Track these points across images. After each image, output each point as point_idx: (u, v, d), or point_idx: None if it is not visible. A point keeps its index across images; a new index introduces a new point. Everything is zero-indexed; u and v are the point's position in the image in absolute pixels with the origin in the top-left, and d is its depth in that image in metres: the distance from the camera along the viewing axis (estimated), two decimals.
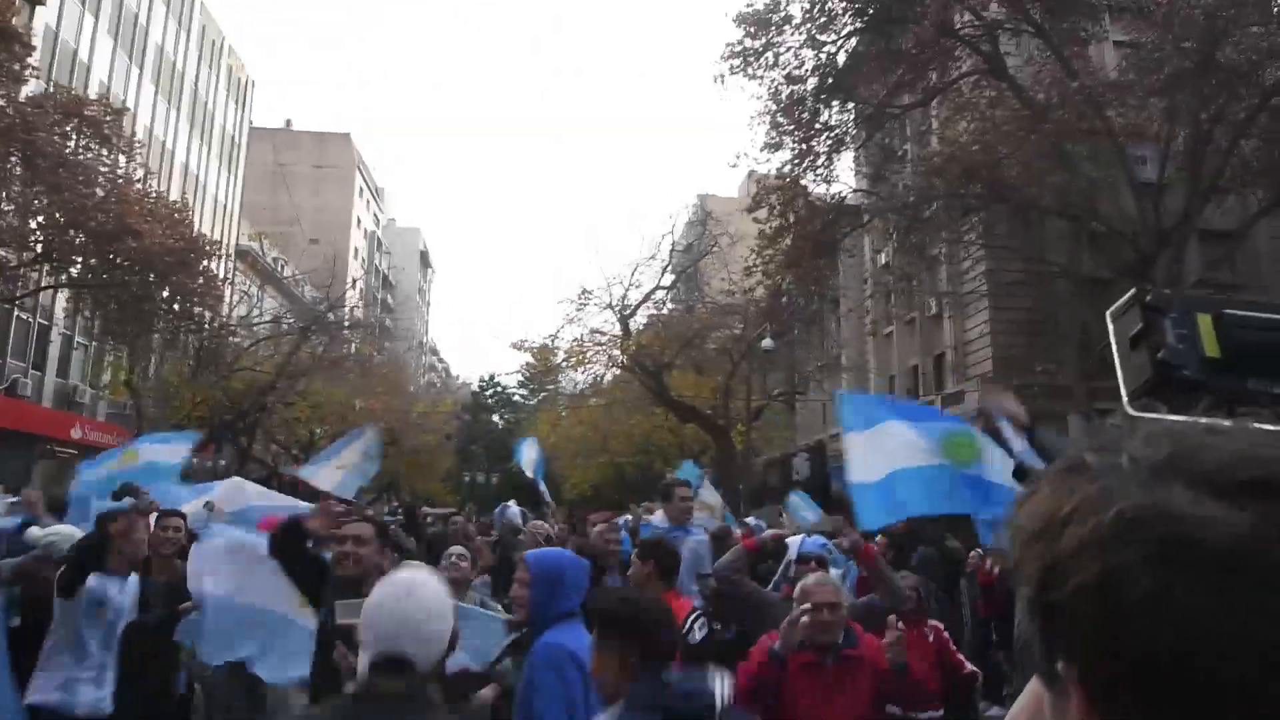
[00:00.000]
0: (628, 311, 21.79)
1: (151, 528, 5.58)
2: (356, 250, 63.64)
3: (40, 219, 20.48)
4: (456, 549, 5.38)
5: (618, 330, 22.49)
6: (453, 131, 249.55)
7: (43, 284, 22.83)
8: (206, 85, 41.91)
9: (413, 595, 2.11)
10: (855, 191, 22.72)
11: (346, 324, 32.79)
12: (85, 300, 23.07)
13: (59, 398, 29.81)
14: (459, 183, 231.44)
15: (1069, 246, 21.17)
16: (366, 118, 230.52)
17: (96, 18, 31.62)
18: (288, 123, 67.87)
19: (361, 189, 69.91)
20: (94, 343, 28.52)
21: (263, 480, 31.59)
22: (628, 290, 21.69)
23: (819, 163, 20.70)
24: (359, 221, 68.17)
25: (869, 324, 31.88)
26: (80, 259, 21.53)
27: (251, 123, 49.27)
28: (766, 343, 19.82)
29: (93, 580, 4.93)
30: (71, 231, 20.64)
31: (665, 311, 24.09)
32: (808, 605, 3.68)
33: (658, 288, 22.46)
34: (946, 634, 5.14)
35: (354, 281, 40.13)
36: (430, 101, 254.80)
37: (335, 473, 6.55)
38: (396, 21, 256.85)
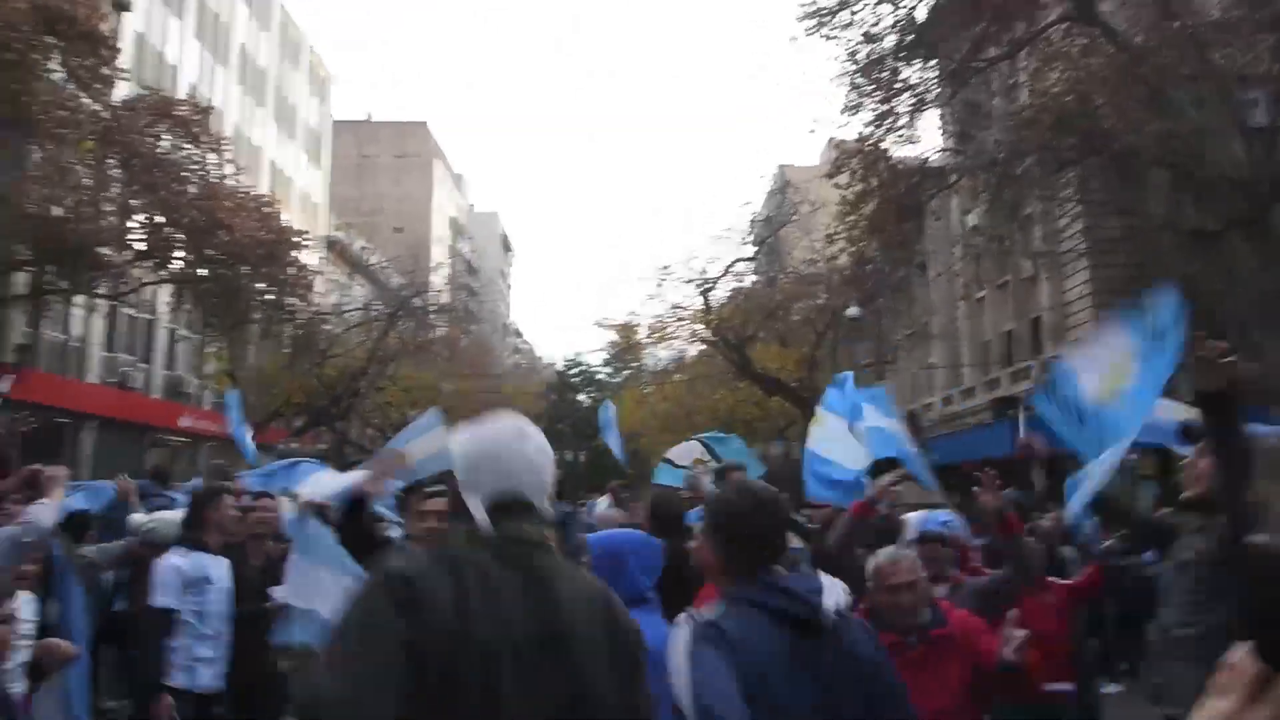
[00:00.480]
0: (708, 285, 21.54)
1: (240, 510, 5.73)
2: (439, 237, 64.81)
3: (139, 218, 21.33)
4: None
5: (699, 305, 22.26)
6: (529, 113, 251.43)
7: (145, 280, 23.83)
8: (290, 82, 43.06)
9: (526, 437, 1.97)
10: (940, 151, 21.90)
11: (432, 308, 33.43)
12: (185, 295, 24.00)
13: (167, 389, 31.24)
14: (537, 164, 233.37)
15: (1171, 199, 19.97)
16: (443, 106, 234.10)
17: (182, 20, 32.71)
18: (368, 116, 69.39)
19: (441, 176, 71.06)
20: (196, 335, 29.73)
21: (359, 464, 32.76)
22: (707, 264, 21.44)
23: (900, 123, 19.99)
24: (440, 208, 69.36)
25: (960, 289, 30.87)
26: (178, 255, 22.39)
27: (333, 117, 50.51)
28: (852, 311, 19.28)
29: (190, 559, 5.04)
30: (168, 228, 21.48)
31: (746, 284, 23.71)
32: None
33: (738, 260, 22.12)
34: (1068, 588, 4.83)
35: (437, 266, 40.85)
36: (506, 84, 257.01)
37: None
38: (470, 8, 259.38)
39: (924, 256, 21.74)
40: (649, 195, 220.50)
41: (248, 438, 9.77)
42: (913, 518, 7.02)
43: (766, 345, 23.02)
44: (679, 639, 2.25)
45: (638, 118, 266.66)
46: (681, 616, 2.36)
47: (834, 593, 2.30)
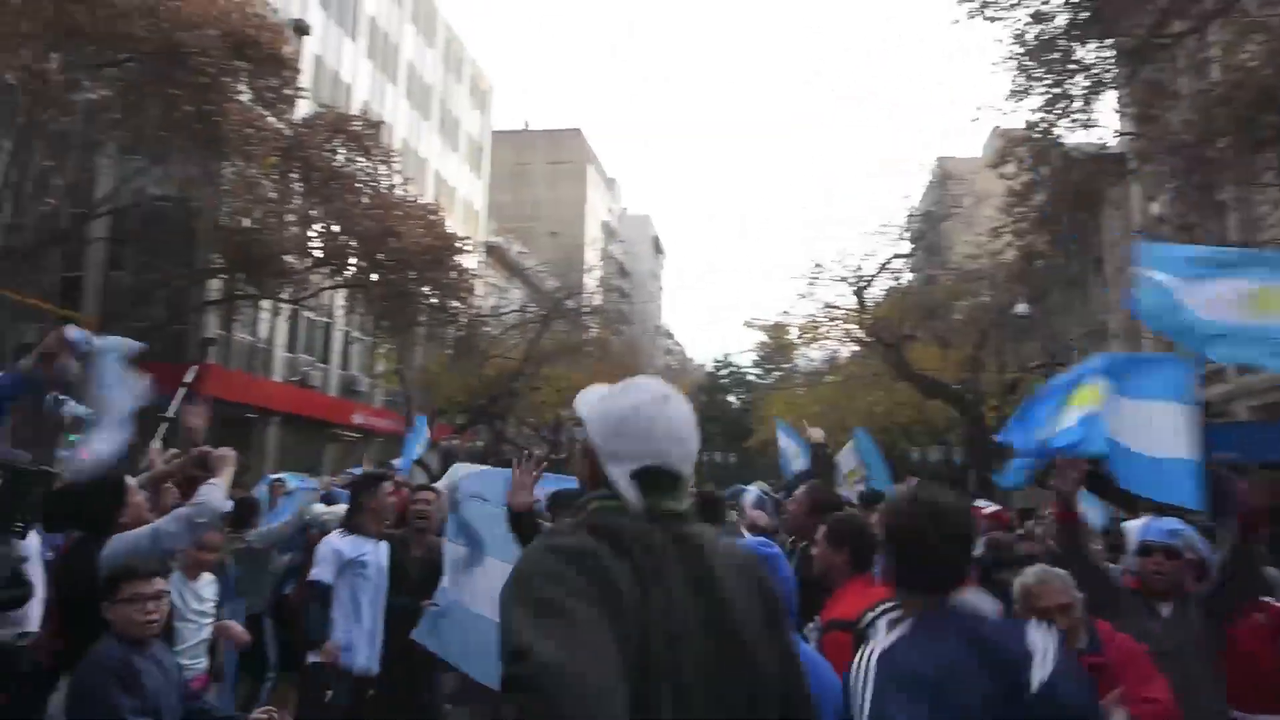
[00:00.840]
0: (863, 283, 20.78)
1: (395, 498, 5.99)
2: (592, 240, 66.10)
3: (317, 227, 22.80)
4: None
5: (853, 304, 21.56)
6: (680, 115, 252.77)
7: (323, 286, 25.45)
8: (452, 96, 45.02)
9: (671, 402, 1.77)
10: (1119, 135, 20.31)
11: (585, 310, 34.06)
12: (358, 299, 25.47)
13: (342, 387, 33.30)
14: (689, 166, 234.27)
15: None
16: (596, 111, 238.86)
17: (355, 42, 34.78)
18: (525, 124, 71.63)
19: (594, 180, 72.46)
20: (368, 337, 31.51)
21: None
22: (862, 261, 20.70)
23: (1074, 107, 18.67)
24: (593, 212, 70.73)
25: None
26: (352, 261, 23.78)
27: (492, 127, 52.42)
28: (1021, 308, 18.10)
29: (350, 541, 5.24)
30: (343, 237, 22.87)
31: (903, 281, 22.76)
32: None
33: (895, 256, 21.24)
34: None
35: (590, 269, 41.60)
36: (657, 87, 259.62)
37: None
38: (623, 15, 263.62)
39: (1100, 250, 20.18)
40: (801, 193, 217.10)
41: (414, 451, 10.30)
42: (1132, 525, 6.59)
43: (925, 345, 22.01)
44: (864, 663, 2.08)
45: (789, 115, 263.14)
46: (817, 626, 2.20)
47: (1046, 638, 1.99)
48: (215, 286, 24.53)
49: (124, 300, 24.10)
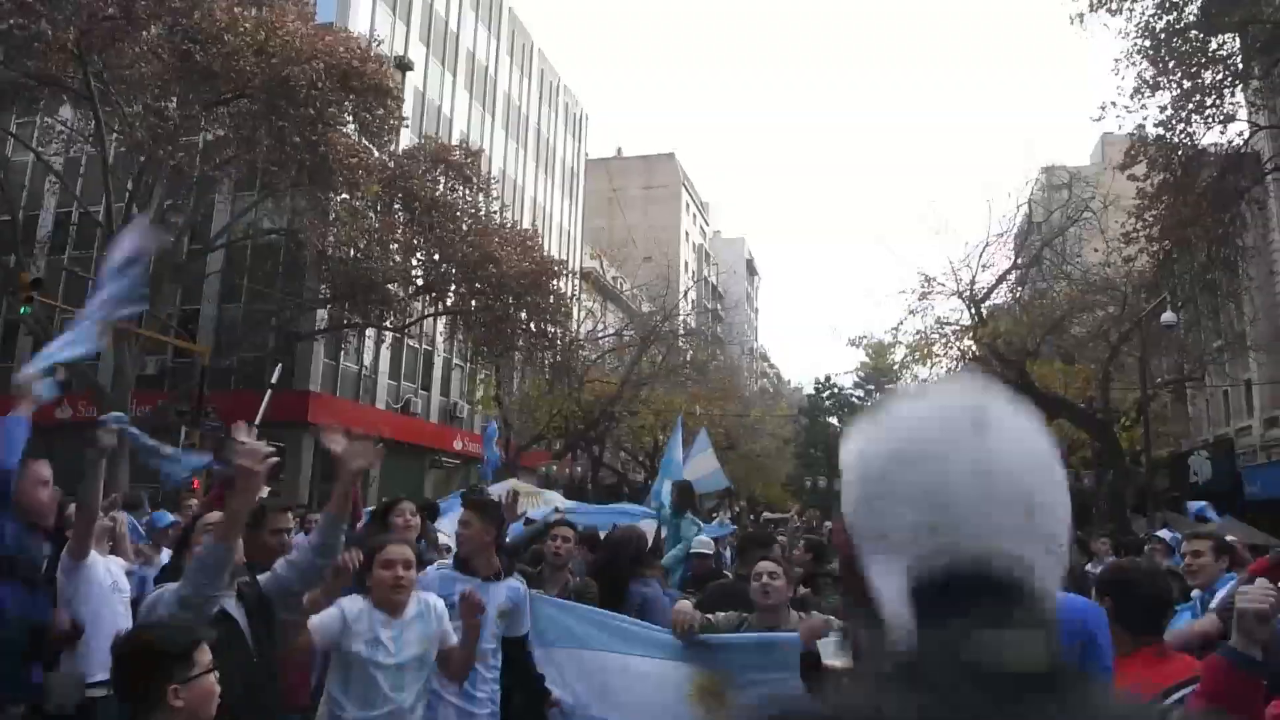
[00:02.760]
0: (979, 296, 19.66)
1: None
2: (686, 264, 65.82)
3: (419, 255, 23.08)
4: (766, 566, 4.28)
5: (967, 318, 20.44)
6: (772, 135, 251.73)
7: (425, 313, 25.75)
8: (548, 124, 45.59)
9: (987, 429, 0.86)
10: (1257, 130, 18.81)
11: (682, 333, 33.66)
12: (459, 326, 25.70)
13: (442, 414, 33.66)
14: (783, 186, 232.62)
15: None
16: (689, 134, 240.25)
17: (455, 76, 35.50)
18: (618, 150, 72.13)
19: (688, 204, 72.32)
20: (468, 363, 31.81)
21: (613, 486, 33.44)
22: (976, 273, 19.62)
23: (1209, 102, 17.35)
24: (687, 236, 70.51)
25: None
26: (452, 288, 23.99)
27: (587, 154, 52.85)
28: (1168, 317, 16.72)
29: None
30: (444, 266, 23.10)
31: (1022, 293, 21.48)
32: None
33: (1014, 266, 20.03)
34: None
35: (685, 293, 41.28)
36: (749, 106, 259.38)
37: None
38: (711, 38, 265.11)
39: (1240, 252, 18.64)
40: (901, 207, 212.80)
41: (489, 469, 10.08)
42: None
43: (1046, 361, 20.72)
44: None
45: (882, 128, 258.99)
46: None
47: None
48: (322, 316, 25.09)
49: (236, 331, 24.87)
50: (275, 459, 3.03)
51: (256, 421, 9.94)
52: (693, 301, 46.22)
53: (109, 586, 4.34)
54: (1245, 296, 21.64)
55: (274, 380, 15.46)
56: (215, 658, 2.50)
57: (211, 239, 23.38)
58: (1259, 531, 20.62)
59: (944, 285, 19.79)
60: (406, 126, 22.09)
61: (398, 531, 4.62)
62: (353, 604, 3.42)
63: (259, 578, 3.32)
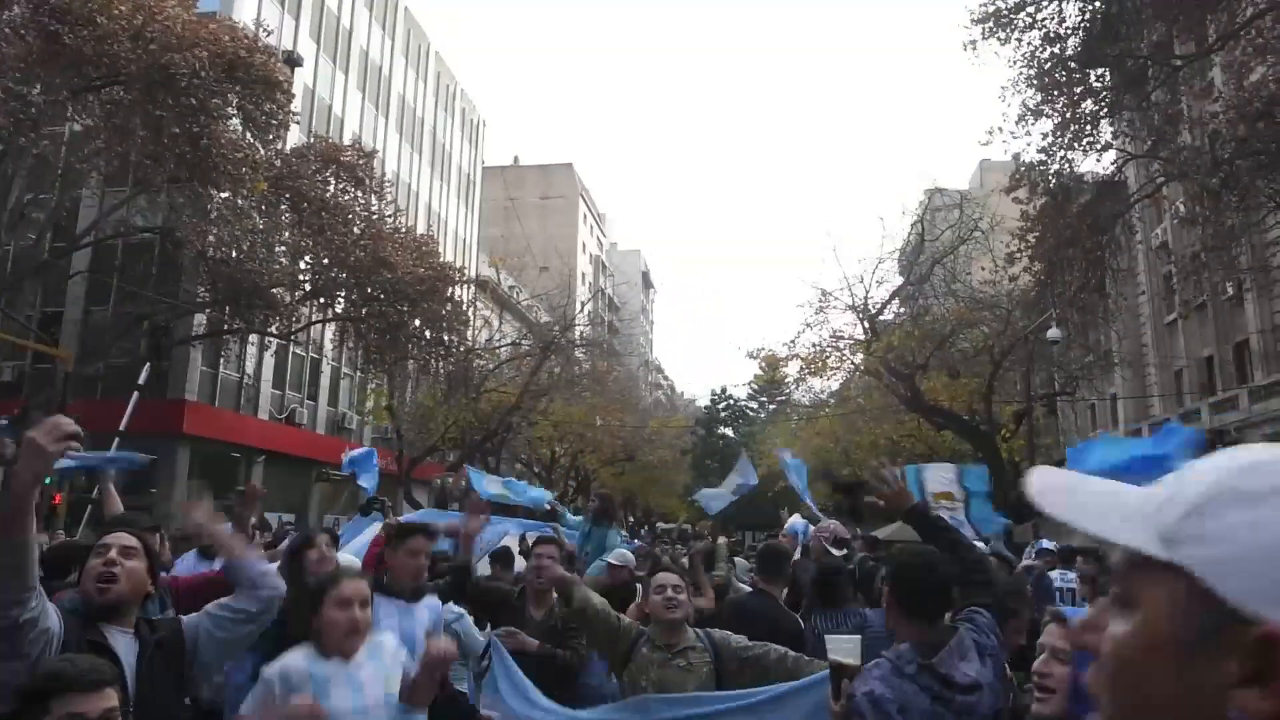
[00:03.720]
0: (873, 311, 20.17)
1: None
2: (583, 275, 65.66)
3: (308, 259, 22.10)
4: (669, 578, 3.91)
5: (860, 334, 20.95)
6: (668, 148, 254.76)
7: (313, 319, 24.68)
8: (444, 129, 44.69)
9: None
10: (1128, 160, 19.99)
11: (579, 343, 33.40)
12: (349, 333, 24.74)
13: (330, 424, 32.38)
14: (677, 200, 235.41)
15: None
16: (586, 145, 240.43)
17: (347, 75, 34.37)
18: (515, 159, 71.51)
19: (585, 214, 72.25)
20: (358, 372, 30.71)
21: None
22: (870, 288, 20.14)
23: (1086, 130, 18.31)
24: (584, 247, 70.41)
25: (1148, 311, 28.00)
26: (343, 294, 23.06)
27: (484, 161, 52.07)
28: (1053, 332, 17.50)
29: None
30: (335, 270, 22.16)
31: (914, 308, 22.18)
32: None
33: (906, 283, 20.65)
34: None
35: (582, 306, 41.14)
36: (646, 121, 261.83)
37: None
38: (609, 46, 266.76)
39: (1117, 273, 19.73)
40: (796, 224, 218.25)
41: (370, 483, 9.54)
42: None
43: (935, 375, 21.45)
44: None
45: (777, 146, 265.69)
46: None
47: None
48: (200, 321, 23.74)
49: (104, 335, 23.25)
50: (75, 443, 2.36)
51: (122, 428, 9.18)
52: (589, 313, 46.05)
53: None
54: (1112, 316, 22.91)
55: (141, 382, 14.20)
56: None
57: (77, 236, 21.80)
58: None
59: (839, 299, 20.21)
60: (297, 123, 21.18)
61: (313, 568, 4.07)
62: (293, 662, 2.90)
63: (186, 618, 2.79)
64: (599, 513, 7.66)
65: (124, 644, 2.59)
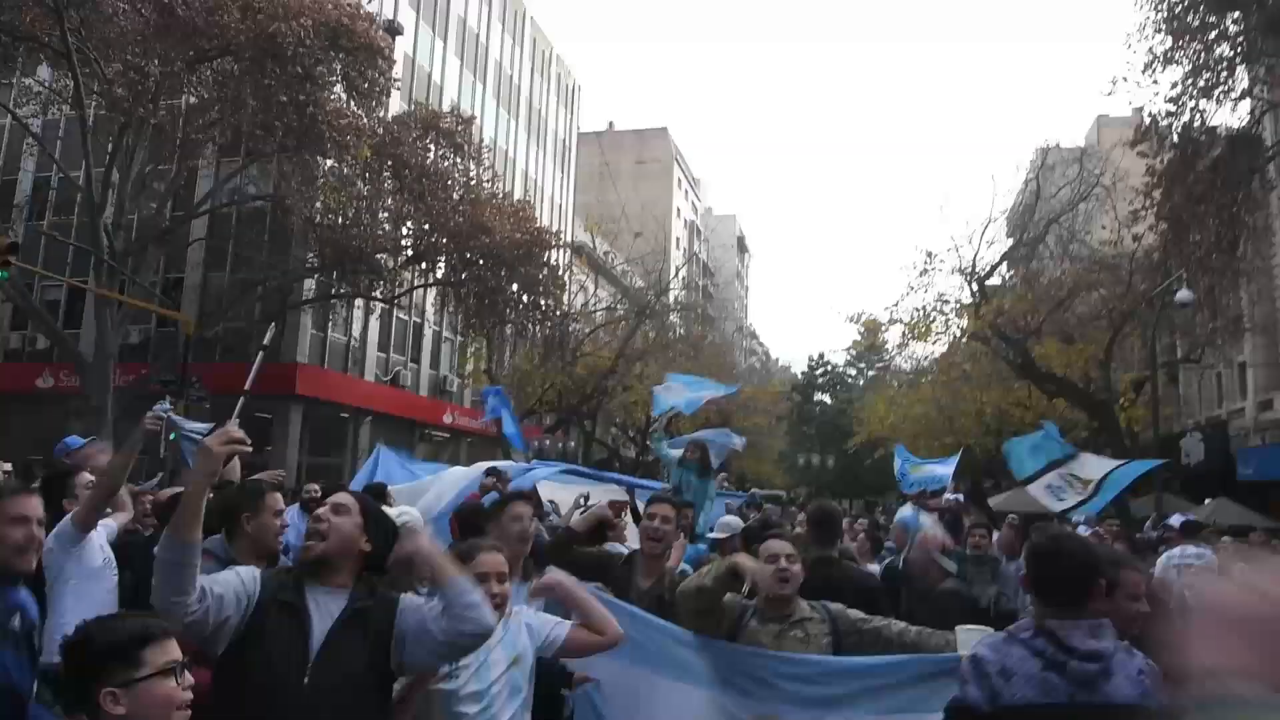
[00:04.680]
0: (981, 273, 19.31)
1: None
2: (678, 240, 65.33)
3: (409, 224, 22.57)
4: (782, 547, 3.63)
5: (967, 297, 20.13)
6: (765, 112, 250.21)
7: (415, 284, 25.25)
8: (540, 95, 44.84)
9: None
10: (1266, 109, 18.48)
11: (674, 308, 33.30)
12: (449, 297, 25.23)
13: (432, 387, 33.22)
14: (774, 165, 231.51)
15: None
16: (682, 110, 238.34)
17: (445, 42, 34.73)
18: (610, 124, 71.31)
19: (680, 179, 71.71)
20: (458, 336, 31.37)
21: (604, 461, 33.16)
22: (979, 250, 19.27)
23: (1219, 79, 16.98)
24: (679, 212, 69.97)
25: None
26: (443, 259, 23.49)
27: (579, 127, 52.11)
28: (1184, 294, 16.38)
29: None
30: (435, 235, 22.59)
31: (1025, 270, 21.14)
32: None
33: (1020, 243, 19.69)
34: None
35: (676, 271, 40.95)
36: (742, 83, 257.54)
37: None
38: (703, 6, 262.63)
39: (1248, 232, 18.35)
40: (898, 184, 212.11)
41: (516, 427, 9.35)
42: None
43: (1047, 341, 20.45)
44: None
45: (878, 106, 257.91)
46: None
47: None
48: (309, 286, 24.57)
49: (222, 300, 24.34)
50: (243, 447, 2.52)
51: (247, 387, 9.52)
52: (684, 278, 45.84)
53: (100, 564, 3.93)
54: (1243, 279, 21.40)
55: (267, 343, 14.83)
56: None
57: (195, 205, 22.79)
58: (1251, 513, 20.60)
59: (945, 262, 19.44)
60: (397, 89, 21.51)
61: (511, 540, 3.74)
62: None
63: (406, 600, 2.61)
64: (699, 464, 7.20)
65: (323, 604, 2.50)
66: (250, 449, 2.55)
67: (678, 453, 7.48)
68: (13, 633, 2.85)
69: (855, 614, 3.63)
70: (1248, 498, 21.77)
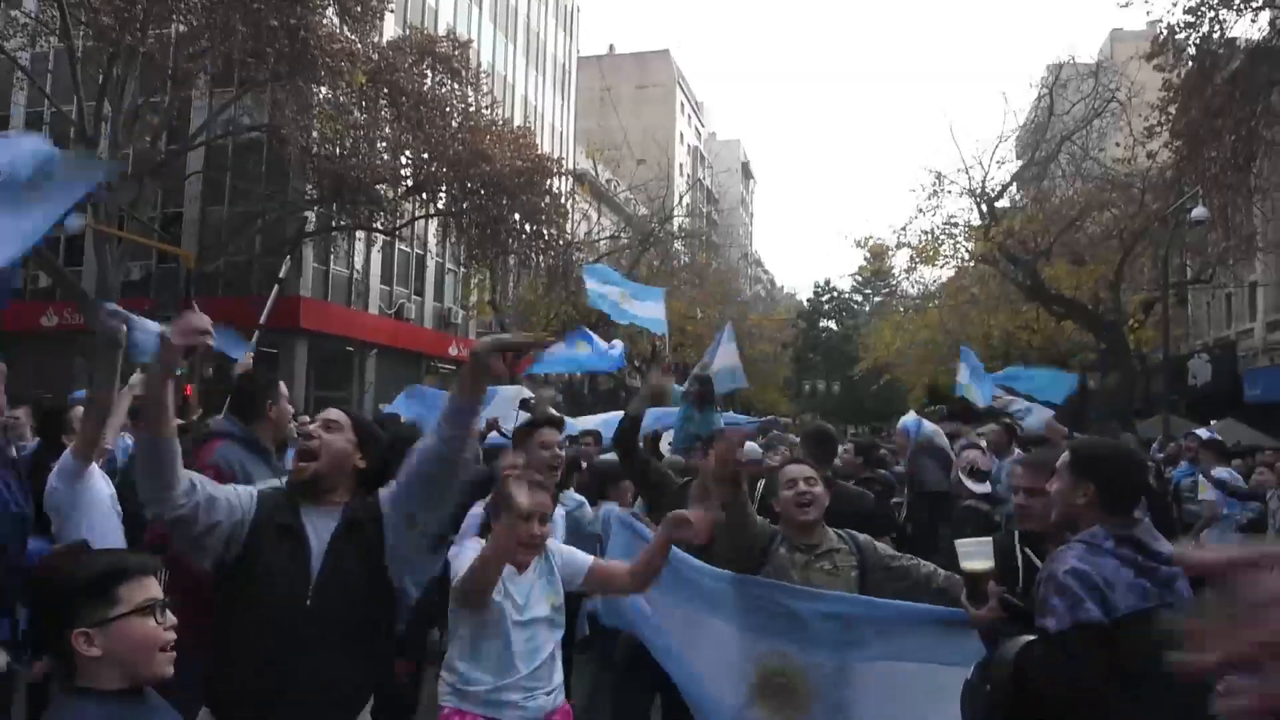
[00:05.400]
0: (992, 194, 18.92)
1: None
2: (681, 166, 64.33)
3: (407, 153, 22.19)
4: (801, 470, 3.49)
5: (976, 219, 19.78)
6: (771, 29, 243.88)
7: (416, 215, 24.96)
8: (538, 17, 43.63)
9: None
10: None
11: (678, 235, 32.96)
12: (451, 227, 24.96)
13: (436, 319, 33.16)
14: (781, 85, 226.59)
15: None
16: (682, 31, 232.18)
17: None
18: (610, 48, 69.61)
19: (682, 104, 70.31)
20: (461, 267, 31.16)
21: (611, 392, 33.25)
22: (989, 170, 18.81)
23: None
24: (681, 137, 68.75)
25: None
26: (444, 188, 23.16)
27: (579, 50, 50.85)
28: (1199, 211, 16.05)
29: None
30: (434, 164, 22.21)
31: (1037, 190, 20.72)
32: None
33: (1031, 161, 19.27)
34: None
35: (680, 198, 40.41)
36: (746, 6, 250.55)
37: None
38: None
39: (1264, 146, 17.87)
40: (906, 105, 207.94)
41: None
42: None
43: (1057, 263, 20.18)
44: None
45: (882, 24, 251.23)
46: None
47: None
48: (309, 219, 24.31)
49: (221, 234, 24.12)
50: (206, 338, 2.32)
51: (262, 321, 9.52)
52: (687, 205, 45.26)
53: (107, 499, 3.76)
54: (1257, 196, 20.99)
55: (282, 275, 14.81)
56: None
57: (190, 137, 22.40)
58: (1259, 434, 20.60)
59: (954, 183, 19.07)
60: (391, 11, 20.89)
61: (541, 468, 3.64)
62: (477, 548, 2.90)
63: (381, 492, 2.51)
64: (700, 396, 7.17)
65: (320, 525, 2.43)
66: (212, 339, 2.37)
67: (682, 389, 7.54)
68: (11, 458, 2.98)
69: (884, 549, 3.55)
70: (1255, 419, 21.76)
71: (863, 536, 3.54)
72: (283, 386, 3.82)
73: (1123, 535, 2.41)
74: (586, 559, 3.18)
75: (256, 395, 3.67)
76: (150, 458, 2.24)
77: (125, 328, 3.69)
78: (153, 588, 1.84)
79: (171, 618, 1.85)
